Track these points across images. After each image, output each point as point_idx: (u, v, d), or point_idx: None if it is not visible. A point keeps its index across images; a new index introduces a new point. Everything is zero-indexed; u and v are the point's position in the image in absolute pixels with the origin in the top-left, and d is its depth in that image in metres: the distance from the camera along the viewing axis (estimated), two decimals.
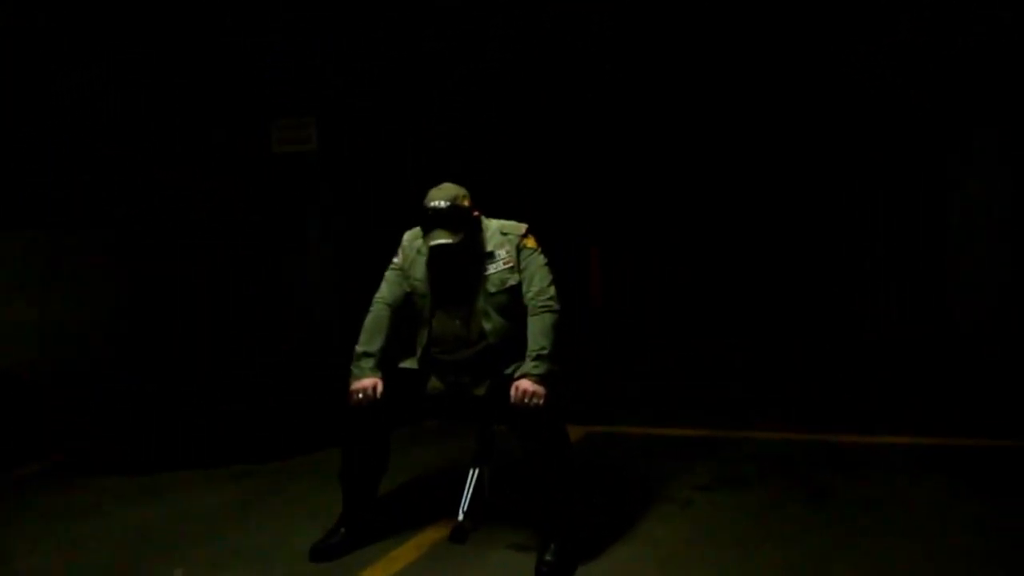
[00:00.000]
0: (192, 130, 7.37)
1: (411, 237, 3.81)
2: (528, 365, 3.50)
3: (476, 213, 3.65)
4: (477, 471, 3.84)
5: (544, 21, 6.67)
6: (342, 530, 3.74)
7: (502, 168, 6.74)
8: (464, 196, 3.59)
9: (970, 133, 6.14)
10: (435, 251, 3.59)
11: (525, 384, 3.45)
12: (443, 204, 3.52)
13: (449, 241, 3.50)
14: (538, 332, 3.56)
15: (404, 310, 3.79)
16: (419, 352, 3.77)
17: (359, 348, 3.70)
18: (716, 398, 6.21)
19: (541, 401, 3.45)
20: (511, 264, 3.67)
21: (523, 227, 3.74)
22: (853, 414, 5.69)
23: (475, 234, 3.65)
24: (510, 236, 3.71)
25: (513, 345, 3.66)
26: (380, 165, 7.30)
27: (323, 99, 7.19)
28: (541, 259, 3.70)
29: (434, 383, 3.76)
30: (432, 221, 3.53)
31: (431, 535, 3.84)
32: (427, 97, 7.13)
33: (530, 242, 3.71)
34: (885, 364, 6.56)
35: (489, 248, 3.69)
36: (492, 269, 3.67)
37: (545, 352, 3.52)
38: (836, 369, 6.52)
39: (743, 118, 6.62)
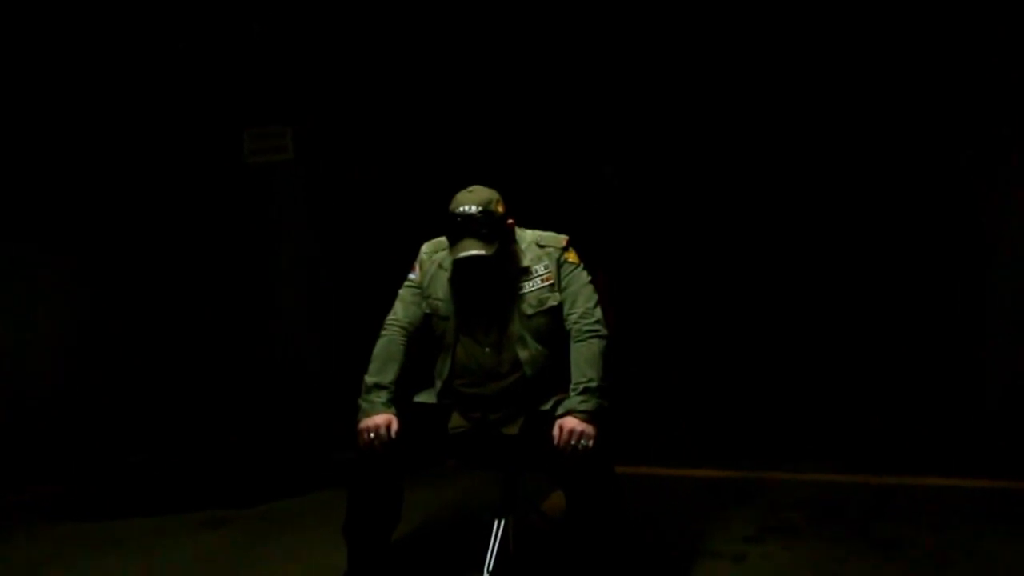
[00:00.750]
0: (159, 137, 6.75)
1: (431, 249, 3.28)
2: (574, 400, 2.98)
3: (510, 222, 3.13)
4: (503, 523, 3.30)
5: (554, 21, 6.15)
6: None
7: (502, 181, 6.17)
8: (498, 201, 3.06)
9: None
10: (463, 265, 3.06)
11: (571, 423, 2.93)
12: (474, 209, 2.99)
13: (481, 252, 2.96)
14: (584, 361, 3.04)
15: (421, 334, 3.25)
16: (439, 385, 3.23)
17: (369, 379, 3.14)
18: (745, 434, 5.67)
19: (590, 443, 2.92)
20: (551, 281, 3.15)
21: (563, 239, 3.22)
22: (895, 450, 5.19)
23: (509, 246, 3.13)
24: (549, 249, 3.19)
25: (551, 376, 3.14)
26: (366, 176, 6.72)
27: (300, 104, 6.60)
28: (585, 276, 3.19)
29: (457, 421, 3.21)
30: (460, 230, 2.99)
31: None
32: (419, 101, 6.57)
33: (572, 256, 3.20)
34: (922, 392, 6.04)
35: (525, 263, 3.16)
36: (529, 287, 3.14)
37: (593, 384, 3.00)
38: (870, 400, 6.02)
39: (771, 130, 6.09)
